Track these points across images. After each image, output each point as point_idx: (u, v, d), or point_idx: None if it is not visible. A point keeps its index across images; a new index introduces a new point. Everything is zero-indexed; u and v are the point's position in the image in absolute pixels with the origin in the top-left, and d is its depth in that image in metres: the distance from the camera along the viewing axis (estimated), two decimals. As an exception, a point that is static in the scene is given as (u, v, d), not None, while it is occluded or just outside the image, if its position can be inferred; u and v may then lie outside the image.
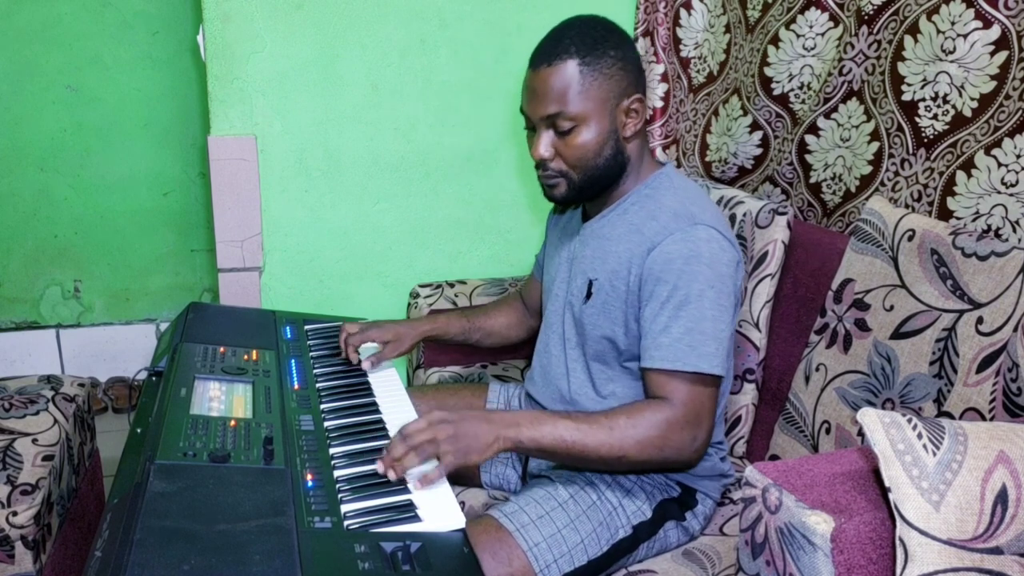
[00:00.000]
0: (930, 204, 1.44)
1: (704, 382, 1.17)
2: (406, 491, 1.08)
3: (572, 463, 1.22)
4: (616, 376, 1.31)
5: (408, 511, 1.04)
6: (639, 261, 1.22)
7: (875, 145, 1.57)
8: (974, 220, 1.36)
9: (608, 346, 1.29)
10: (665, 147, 2.12)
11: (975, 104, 1.36)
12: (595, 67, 1.20)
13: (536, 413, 1.23)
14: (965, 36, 1.36)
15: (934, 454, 0.84)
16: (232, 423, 1.17)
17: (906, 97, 1.48)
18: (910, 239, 1.31)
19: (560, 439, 1.13)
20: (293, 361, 1.44)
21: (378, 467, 1.10)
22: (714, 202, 1.41)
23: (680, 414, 1.15)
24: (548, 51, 1.21)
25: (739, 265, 1.24)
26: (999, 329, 1.15)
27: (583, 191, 1.28)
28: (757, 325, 1.56)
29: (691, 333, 1.16)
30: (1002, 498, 0.82)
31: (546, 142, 1.24)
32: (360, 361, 1.47)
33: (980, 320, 1.18)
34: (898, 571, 0.82)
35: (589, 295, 1.29)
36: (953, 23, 1.38)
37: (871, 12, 1.53)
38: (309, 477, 1.08)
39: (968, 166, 1.37)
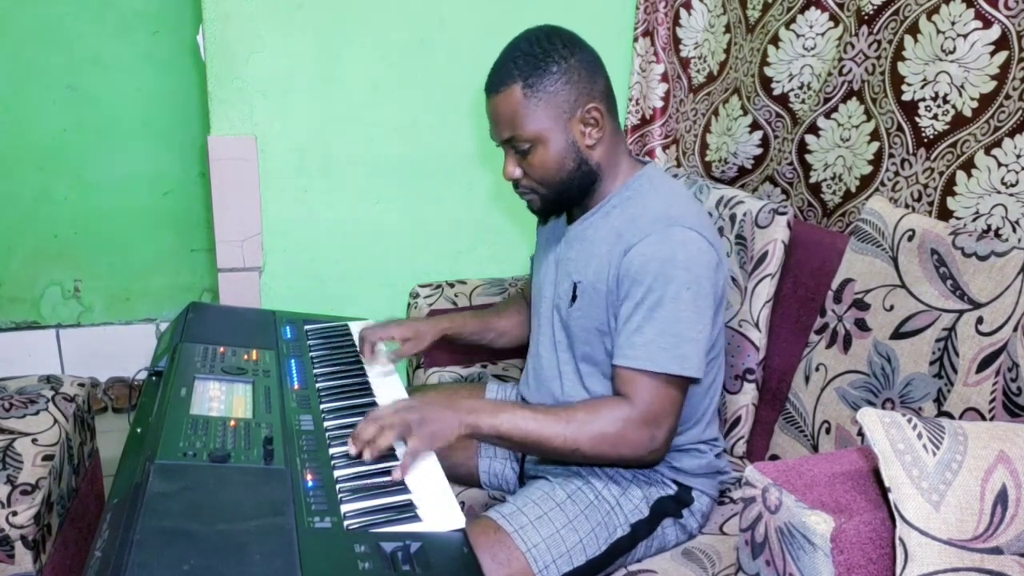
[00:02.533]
0: (930, 204, 1.44)
1: (671, 384, 1.18)
2: (406, 491, 1.08)
3: (529, 452, 1.27)
4: (607, 377, 1.31)
5: (408, 511, 1.04)
6: (616, 262, 1.23)
7: (875, 145, 1.57)
8: (974, 220, 1.36)
9: (598, 348, 1.29)
10: (665, 147, 2.12)
11: (975, 104, 1.36)
12: (539, 88, 1.20)
13: (498, 402, 1.26)
14: (965, 36, 1.36)
15: (934, 454, 0.84)
16: (232, 423, 1.17)
17: (906, 97, 1.48)
18: (910, 239, 1.31)
19: (516, 427, 1.16)
20: (293, 361, 1.44)
21: (350, 449, 1.12)
22: (698, 201, 1.39)
23: (638, 413, 1.16)
24: (494, 78, 1.24)
25: (719, 266, 1.24)
26: (999, 329, 1.15)
27: (557, 203, 1.30)
28: (757, 325, 1.56)
29: (664, 335, 1.16)
30: (1002, 498, 0.82)
31: (512, 163, 1.27)
32: (376, 357, 1.48)
33: (980, 320, 1.18)
34: (898, 571, 0.82)
35: (575, 297, 1.29)
36: (953, 23, 1.38)
37: (871, 12, 1.53)
38: (309, 477, 1.08)
39: (968, 166, 1.37)
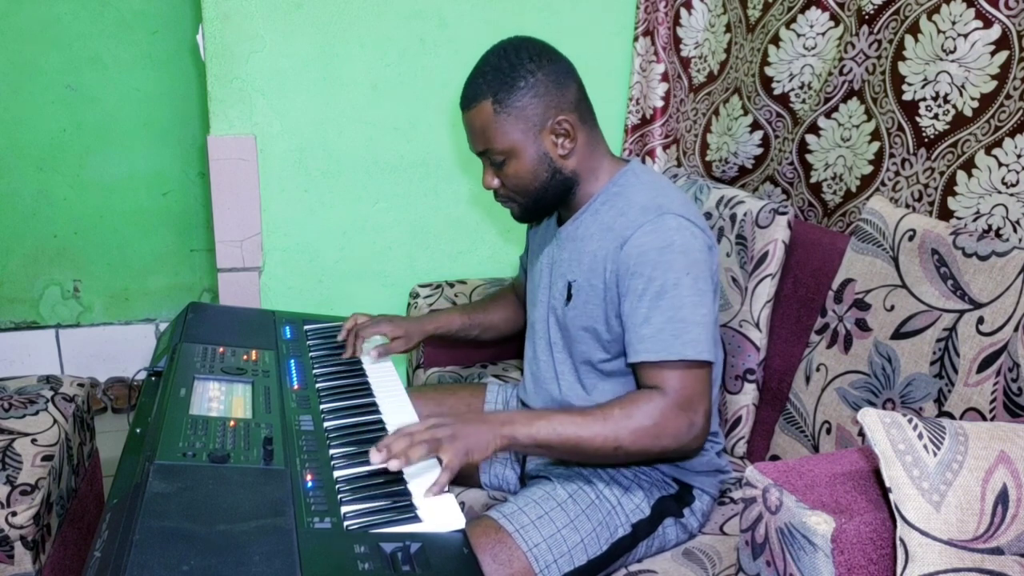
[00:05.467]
0: (931, 204, 1.43)
1: (694, 367, 1.17)
2: (406, 492, 1.08)
3: (569, 457, 1.23)
4: (605, 375, 1.31)
5: (408, 512, 1.04)
6: (613, 257, 1.23)
7: (876, 145, 1.56)
8: (975, 220, 1.36)
9: (594, 345, 1.29)
10: (665, 147, 2.12)
11: (976, 104, 1.36)
12: (507, 103, 1.22)
13: (531, 410, 1.25)
14: (966, 36, 1.36)
15: (935, 454, 0.84)
16: (232, 423, 1.16)
17: (907, 97, 1.48)
18: (911, 239, 1.31)
19: (555, 433, 1.14)
20: (293, 361, 1.44)
21: (373, 457, 1.05)
22: (683, 191, 1.42)
23: (673, 401, 1.16)
24: (466, 94, 1.27)
25: (712, 250, 1.25)
26: (1000, 329, 1.15)
27: (536, 211, 1.33)
28: (758, 325, 1.56)
29: (672, 322, 1.17)
30: (1003, 498, 0.82)
31: (490, 174, 1.31)
32: (362, 352, 1.50)
33: (981, 320, 1.18)
34: (898, 571, 0.81)
35: (570, 297, 1.30)
36: (954, 23, 1.37)
37: (872, 12, 1.53)
38: (309, 477, 1.08)
39: (969, 166, 1.37)
